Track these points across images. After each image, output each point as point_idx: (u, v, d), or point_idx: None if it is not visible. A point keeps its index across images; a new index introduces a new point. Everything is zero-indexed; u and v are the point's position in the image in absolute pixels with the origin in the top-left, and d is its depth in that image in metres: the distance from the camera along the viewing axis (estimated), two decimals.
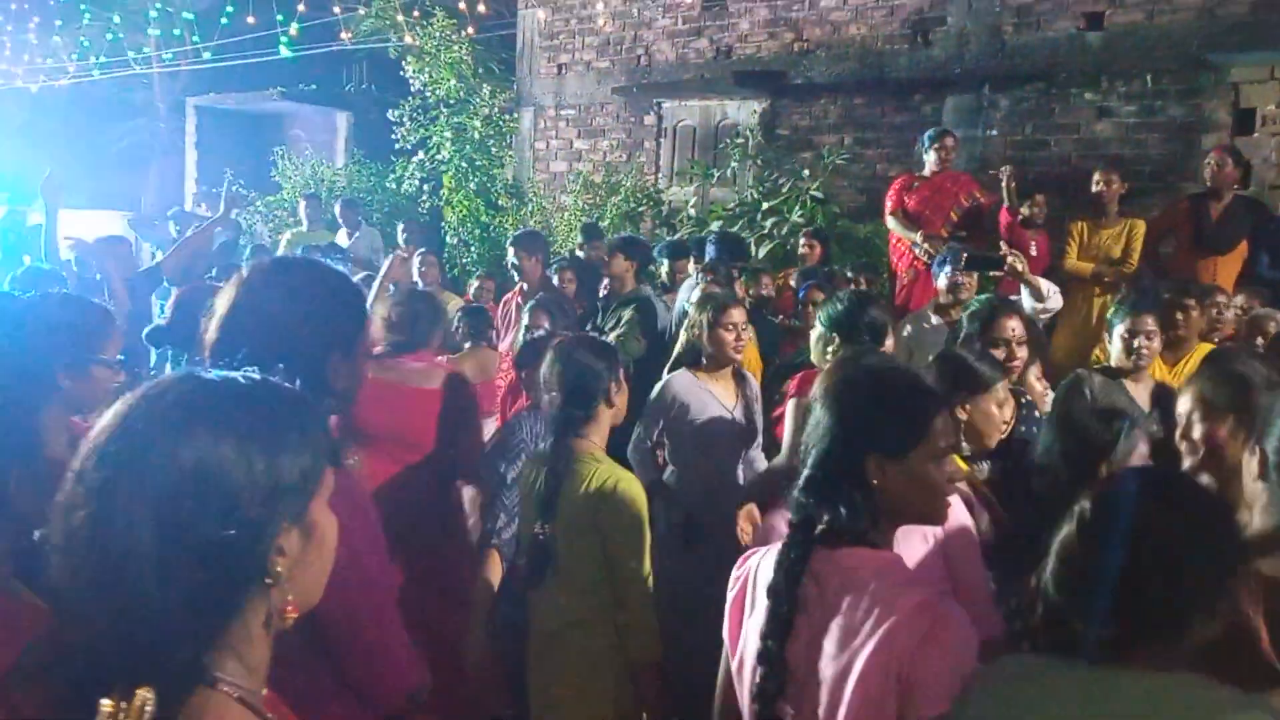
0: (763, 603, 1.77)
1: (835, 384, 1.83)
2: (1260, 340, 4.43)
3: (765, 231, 7.72)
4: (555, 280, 6.79)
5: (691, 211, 8.57)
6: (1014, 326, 3.52)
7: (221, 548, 1.00)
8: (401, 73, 10.46)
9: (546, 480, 2.64)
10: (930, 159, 6.55)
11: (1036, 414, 3.36)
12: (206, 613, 1.01)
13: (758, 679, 1.72)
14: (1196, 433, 2.42)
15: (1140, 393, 3.66)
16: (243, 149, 14.24)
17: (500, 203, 9.88)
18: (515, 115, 10.38)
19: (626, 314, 5.53)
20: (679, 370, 3.93)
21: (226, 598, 1.03)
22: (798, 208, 7.63)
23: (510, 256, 6.28)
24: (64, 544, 1.00)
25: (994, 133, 7.24)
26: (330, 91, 13.96)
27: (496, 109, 10.15)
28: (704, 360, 3.87)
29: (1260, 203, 5.91)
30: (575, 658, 2.63)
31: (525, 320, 4.58)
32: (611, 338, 5.40)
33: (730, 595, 1.92)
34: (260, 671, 1.09)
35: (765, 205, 7.84)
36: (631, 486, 2.60)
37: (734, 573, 1.94)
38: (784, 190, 7.82)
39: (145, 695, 0.96)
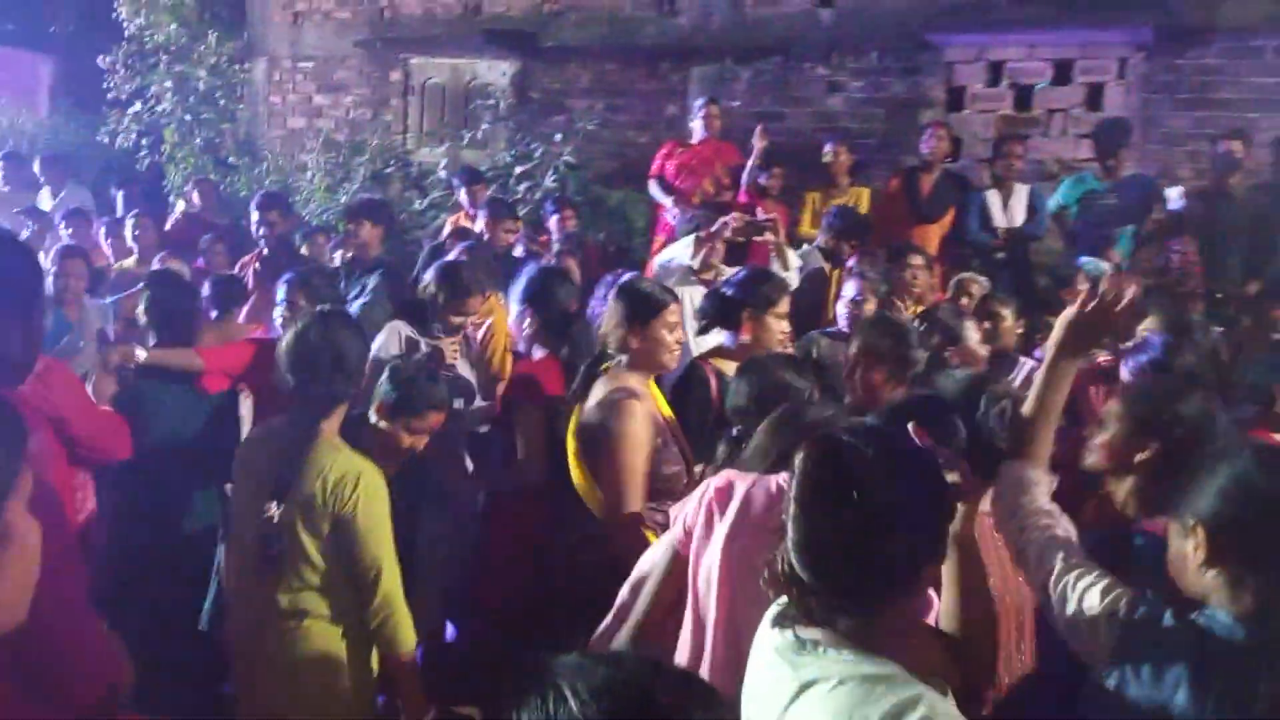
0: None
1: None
2: (965, 300, 4.85)
3: (519, 196, 7.64)
4: (304, 249, 6.40)
5: (442, 174, 8.32)
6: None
7: None
8: (114, 15, 9.46)
9: (283, 462, 2.48)
10: (696, 127, 6.76)
11: None
12: None
13: None
14: (858, 375, 2.91)
15: None
16: None
17: (231, 160, 9.19)
18: (247, 66, 9.65)
19: (372, 281, 5.33)
20: None
21: None
22: (551, 173, 7.60)
23: (256, 218, 5.91)
24: None
25: (737, 104, 7.48)
26: (30, 32, 12.41)
27: (225, 58, 9.40)
28: None
29: (964, 177, 6.46)
30: (302, 652, 2.47)
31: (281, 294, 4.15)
32: (355, 306, 5.18)
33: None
34: None
35: (518, 170, 7.75)
36: (376, 476, 2.50)
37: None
38: (537, 155, 7.76)
39: None
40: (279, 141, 9.53)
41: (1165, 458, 2.07)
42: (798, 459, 1.47)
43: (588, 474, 2.82)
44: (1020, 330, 4.40)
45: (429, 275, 3.86)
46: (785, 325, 3.69)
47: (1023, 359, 4.24)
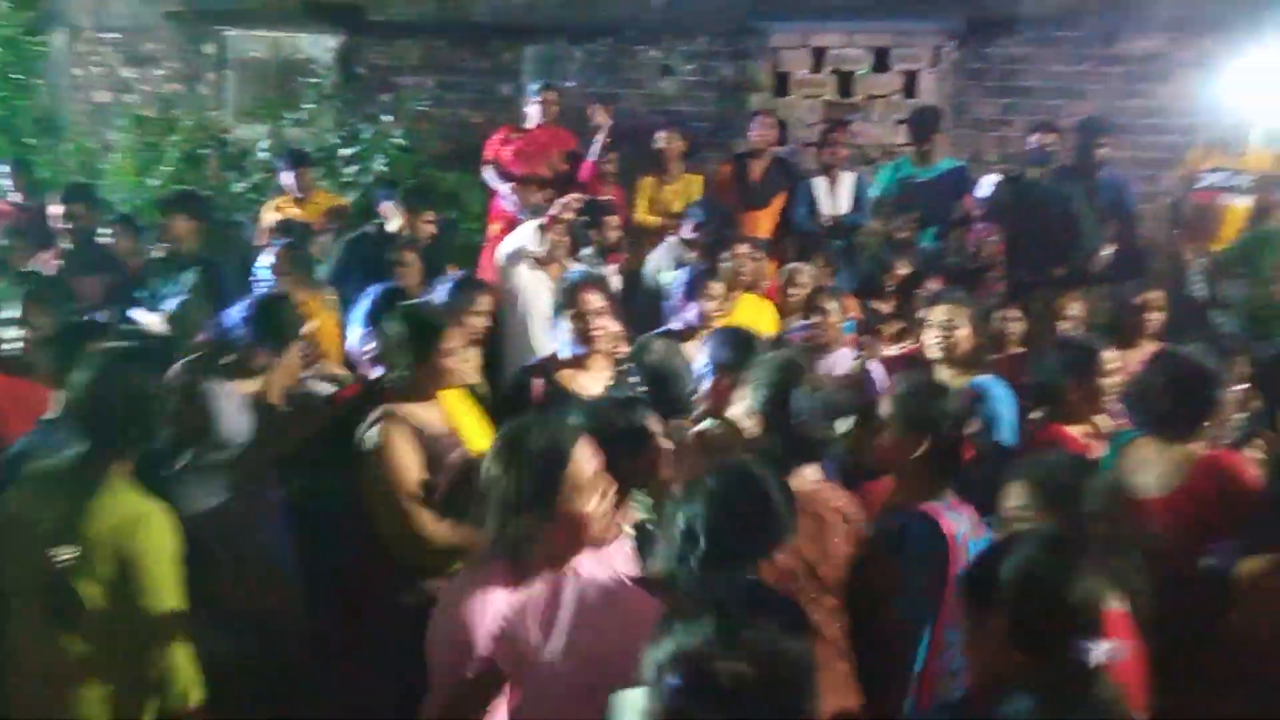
0: None
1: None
2: (793, 290, 4.99)
3: (350, 180, 7.38)
4: (113, 237, 5.97)
5: (263, 154, 7.92)
6: (593, 299, 3.66)
7: None
8: None
9: (67, 505, 2.31)
10: (532, 112, 6.60)
11: None
12: None
13: None
14: (705, 387, 3.06)
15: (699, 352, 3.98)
16: None
17: (30, 140, 8.49)
18: (44, 37, 8.91)
19: (189, 278, 5.08)
20: None
21: None
22: (380, 155, 7.36)
23: (61, 210, 5.50)
24: None
25: (571, 84, 7.42)
26: None
27: (20, 29, 8.65)
28: None
29: (793, 164, 6.62)
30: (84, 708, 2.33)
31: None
32: (173, 304, 4.92)
33: None
34: None
35: (346, 151, 7.47)
36: (165, 518, 2.36)
37: None
38: (366, 136, 7.50)
39: None
40: (83, 118, 8.88)
41: (934, 450, 2.45)
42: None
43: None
44: (843, 321, 4.57)
45: (237, 312, 3.48)
46: (607, 322, 3.64)
47: (844, 350, 4.42)
